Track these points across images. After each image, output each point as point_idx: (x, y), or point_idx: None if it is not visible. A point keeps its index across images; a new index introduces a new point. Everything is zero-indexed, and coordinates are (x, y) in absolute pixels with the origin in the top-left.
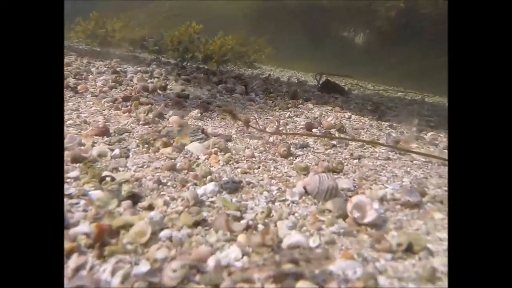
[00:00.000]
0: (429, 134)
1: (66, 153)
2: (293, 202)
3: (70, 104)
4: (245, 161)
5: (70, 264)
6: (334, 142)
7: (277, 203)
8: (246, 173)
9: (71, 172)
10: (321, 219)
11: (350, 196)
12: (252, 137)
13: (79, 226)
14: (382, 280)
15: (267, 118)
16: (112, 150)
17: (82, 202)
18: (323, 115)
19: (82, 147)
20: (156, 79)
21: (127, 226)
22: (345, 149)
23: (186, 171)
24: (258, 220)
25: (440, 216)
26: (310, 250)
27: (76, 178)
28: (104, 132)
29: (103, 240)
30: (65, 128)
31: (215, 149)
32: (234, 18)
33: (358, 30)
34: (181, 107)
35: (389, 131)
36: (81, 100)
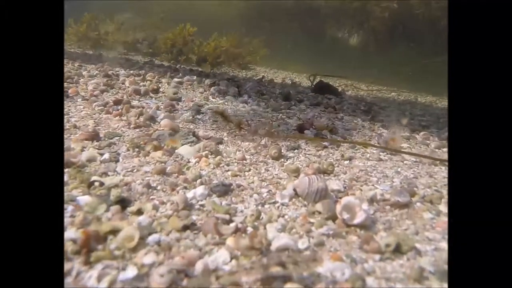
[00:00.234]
0: (421, 133)
1: None
2: (283, 204)
3: None
4: (236, 164)
5: (63, 269)
6: (325, 143)
7: (267, 206)
8: (236, 176)
9: None
10: (310, 221)
11: (340, 198)
12: (244, 139)
13: (66, 232)
14: (370, 281)
15: (259, 120)
16: (101, 154)
17: (70, 207)
18: (315, 116)
19: (71, 152)
20: (148, 82)
21: (115, 231)
22: (337, 150)
23: (176, 174)
24: (247, 223)
25: (429, 216)
26: (298, 253)
27: (64, 183)
28: (94, 136)
29: (90, 246)
30: None
31: (206, 152)
32: (228, 20)
33: (352, 31)
34: (173, 110)
35: (381, 131)
36: (71, 104)
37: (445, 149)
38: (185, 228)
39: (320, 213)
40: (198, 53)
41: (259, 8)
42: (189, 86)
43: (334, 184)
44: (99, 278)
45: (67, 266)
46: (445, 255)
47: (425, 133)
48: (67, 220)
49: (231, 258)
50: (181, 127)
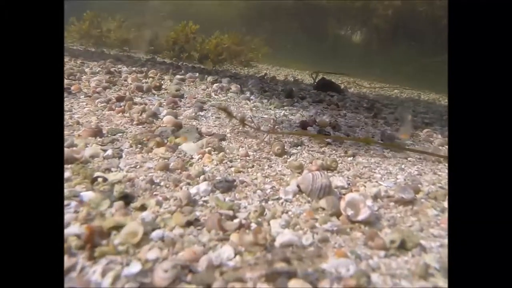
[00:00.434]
0: (424, 131)
1: None
2: (286, 200)
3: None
4: (239, 160)
5: (64, 265)
6: (328, 140)
7: (270, 202)
8: (240, 172)
9: None
10: (315, 217)
11: (344, 194)
12: (247, 135)
13: (70, 228)
14: (375, 277)
15: (262, 117)
16: (104, 150)
17: (73, 203)
18: (318, 113)
19: (74, 148)
20: (150, 79)
21: (118, 227)
22: (340, 147)
23: (179, 170)
24: (251, 219)
25: (434, 212)
26: (302, 249)
27: (67, 179)
28: (96, 132)
29: (94, 241)
30: None
31: (209, 148)
32: (228, 20)
33: (355, 28)
34: (176, 106)
35: (384, 128)
36: (74, 100)
37: None
38: (189, 224)
39: (324, 209)
40: (200, 51)
41: (259, 8)
42: (192, 83)
43: (337, 180)
44: (103, 273)
45: (71, 261)
46: None
47: (428, 131)
48: (70, 215)
49: (235, 254)
50: (184, 124)
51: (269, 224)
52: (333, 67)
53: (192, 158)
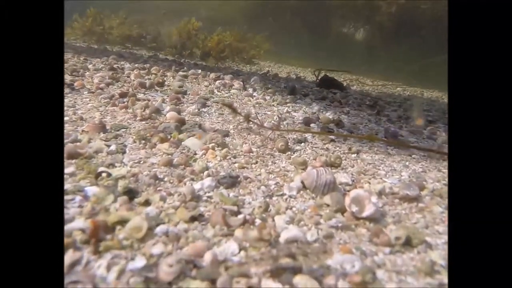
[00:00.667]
0: (428, 128)
1: None
2: (290, 196)
3: (66, 101)
4: (242, 156)
5: (65, 260)
6: (332, 136)
7: (274, 198)
8: (243, 168)
9: (67, 168)
10: (319, 213)
11: (348, 191)
12: (251, 132)
13: (75, 222)
14: (380, 273)
15: (265, 114)
16: (108, 146)
17: (78, 198)
18: (321, 110)
19: (78, 143)
20: (153, 75)
21: (122, 222)
22: (343, 143)
23: (183, 166)
24: (255, 214)
25: (439, 209)
26: (307, 244)
27: (71, 174)
28: (100, 128)
29: (99, 236)
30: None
31: (213, 144)
32: (228, 20)
33: (358, 25)
34: (179, 103)
35: (388, 126)
36: (78, 96)
37: None
38: (193, 219)
39: (328, 205)
40: (202, 48)
41: (261, 6)
42: (194, 80)
43: (342, 177)
44: (108, 268)
45: (76, 255)
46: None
47: (432, 128)
48: (75, 210)
49: (240, 250)
50: (187, 120)
51: (273, 220)
52: (335, 64)
53: (195, 154)
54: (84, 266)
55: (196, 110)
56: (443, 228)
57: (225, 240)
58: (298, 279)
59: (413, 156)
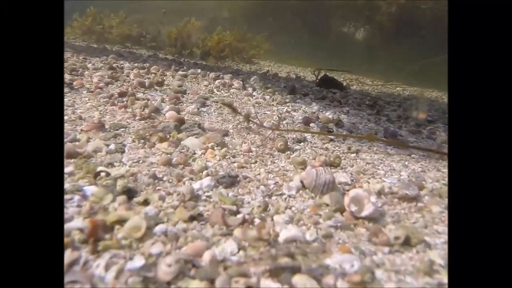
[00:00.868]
0: (427, 128)
1: None
2: (290, 196)
3: (65, 100)
4: (242, 156)
5: (64, 259)
6: (331, 136)
7: (274, 197)
8: (243, 167)
9: (66, 167)
10: (318, 213)
11: (348, 190)
12: (250, 131)
13: (73, 222)
14: (379, 273)
15: (264, 113)
16: (107, 145)
17: (77, 197)
18: (321, 110)
19: (77, 143)
20: (153, 74)
21: (121, 221)
22: (343, 143)
23: (182, 166)
24: (254, 214)
25: (438, 209)
26: (306, 244)
27: (70, 174)
28: (99, 127)
29: (97, 235)
30: None
31: (212, 143)
32: (228, 19)
33: (358, 25)
34: (178, 102)
35: (387, 125)
36: (77, 96)
37: None
38: (192, 218)
39: (327, 205)
40: (202, 47)
41: (261, 6)
42: (194, 79)
43: (341, 176)
44: (107, 267)
45: (74, 254)
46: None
47: (431, 128)
48: (74, 209)
49: (239, 249)
50: (187, 119)
51: (272, 220)
52: (335, 64)
53: (194, 153)
54: (83, 265)
55: (196, 110)
56: (442, 227)
57: (224, 239)
58: (297, 279)
59: (412, 156)
